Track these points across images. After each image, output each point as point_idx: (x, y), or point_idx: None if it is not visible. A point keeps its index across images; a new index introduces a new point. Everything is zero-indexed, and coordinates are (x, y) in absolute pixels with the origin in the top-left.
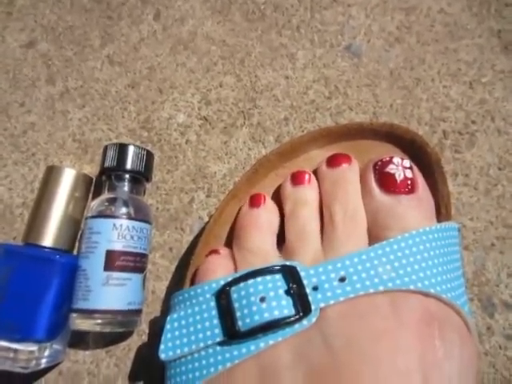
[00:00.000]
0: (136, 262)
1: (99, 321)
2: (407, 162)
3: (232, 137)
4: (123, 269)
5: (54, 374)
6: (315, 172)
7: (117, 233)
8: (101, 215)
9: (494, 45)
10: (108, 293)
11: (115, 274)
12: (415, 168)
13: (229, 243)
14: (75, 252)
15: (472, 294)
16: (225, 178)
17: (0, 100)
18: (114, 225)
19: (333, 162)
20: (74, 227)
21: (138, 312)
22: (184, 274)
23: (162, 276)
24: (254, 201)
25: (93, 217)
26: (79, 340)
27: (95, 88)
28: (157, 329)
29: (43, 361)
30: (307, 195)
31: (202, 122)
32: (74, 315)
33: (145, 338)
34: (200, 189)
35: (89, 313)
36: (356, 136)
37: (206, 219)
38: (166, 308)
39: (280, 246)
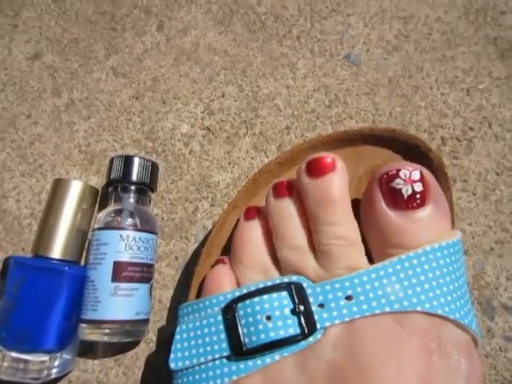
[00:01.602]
0: (143, 273)
1: (108, 331)
2: (416, 174)
3: (235, 146)
4: (131, 279)
5: (63, 383)
6: None
7: (124, 244)
8: (108, 227)
9: (491, 52)
10: (116, 303)
11: (123, 285)
12: (427, 176)
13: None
14: (82, 263)
15: (472, 298)
16: (228, 188)
17: (7, 112)
18: (121, 236)
19: (314, 170)
20: (82, 239)
21: (146, 321)
22: (189, 284)
23: (169, 285)
24: (249, 213)
25: (100, 228)
26: (88, 349)
27: (100, 99)
28: (164, 337)
29: (54, 371)
30: (289, 208)
31: (205, 132)
32: (83, 326)
33: (152, 346)
34: (204, 198)
35: (97, 323)
36: (357, 142)
37: (211, 228)
38: (173, 316)
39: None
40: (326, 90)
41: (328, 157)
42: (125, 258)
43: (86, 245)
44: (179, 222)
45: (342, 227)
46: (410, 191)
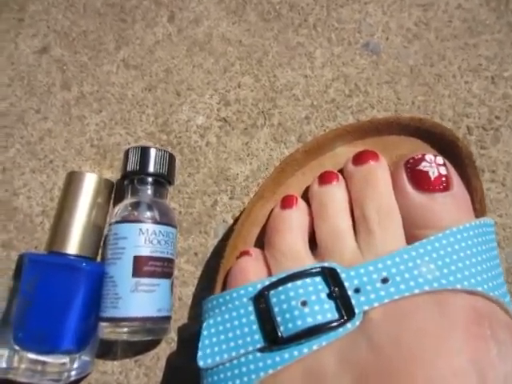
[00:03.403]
0: (164, 267)
1: (129, 329)
2: (440, 159)
3: (253, 138)
4: (152, 274)
5: None
6: (341, 170)
7: (143, 237)
8: (126, 220)
9: None
10: (137, 299)
11: (144, 280)
12: (449, 164)
13: (257, 244)
14: (98, 259)
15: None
16: (247, 180)
17: (15, 107)
18: (141, 229)
19: (359, 159)
20: (98, 234)
21: (168, 319)
22: (214, 278)
23: (188, 281)
24: (286, 202)
25: (118, 222)
26: (107, 350)
27: (111, 92)
28: (186, 336)
29: (73, 373)
30: (335, 194)
31: (221, 124)
32: (104, 324)
33: (174, 345)
34: (223, 191)
35: (119, 321)
36: (382, 132)
37: (231, 222)
38: (195, 314)
39: (312, 247)
40: (346, 80)
41: (372, 151)
42: (145, 252)
43: (102, 240)
44: (197, 217)
45: (386, 205)
46: (436, 173)
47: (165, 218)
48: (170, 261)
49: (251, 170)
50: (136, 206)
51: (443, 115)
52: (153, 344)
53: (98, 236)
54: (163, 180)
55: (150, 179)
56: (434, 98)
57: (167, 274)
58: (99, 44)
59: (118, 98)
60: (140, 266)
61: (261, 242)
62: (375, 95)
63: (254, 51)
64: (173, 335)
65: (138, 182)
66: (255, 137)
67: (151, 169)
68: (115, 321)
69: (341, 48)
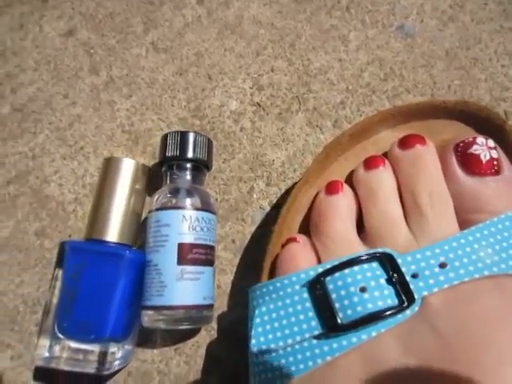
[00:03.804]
0: (207, 255)
1: (175, 317)
2: (491, 142)
3: (288, 123)
4: (196, 262)
5: (122, 375)
6: (384, 156)
7: (187, 225)
8: (169, 207)
9: None
10: (183, 288)
11: (189, 268)
12: (499, 148)
13: (301, 230)
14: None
15: None
16: (284, 166)
17: (43, 92)
18: (184, 216)
19: (406, 143)
20: (136, 221)
21: (211, 307)
22: (255, 266)
23: (227, 269)
24: (333, 188)
25: (159, 209)
26: (146, 339)
27: (141, 76)
28: (225, 324)
29: (116, 362)
30: (383, 179)
31: (255, 109)
32: (149, 312)
33: (213, 333)
34: (259, 177)
35: (165, 309)
36: (427, 115)
37: (268, 208)
38: (234, 303)
39: (358, 233)
40: (381, 63)
41: (419, 134)
42: (189, 239)
43: (141, 228)
44: (234, 203)
45: (437, 189)
46: (488, 156)
47: (205, 205)
48: (212, 248)
49: (287, 155)
50: (176, 192)
51: (480, 100)
52: (192, 332)
53: (136, 223)
54: (202, 166)
55: (189, 165)
56: (470, 82)
57: (210, 262)
58: (127, 27)
59: (149, 83)
60: (184, 254)
61: (303, 229)
62: (411, 79)
63: (286, 34)
64: (212, 323)
65: (176, 167)
66: (290, 122)
67: (191, 154)
68: (161, 309)
69: (375, 31)
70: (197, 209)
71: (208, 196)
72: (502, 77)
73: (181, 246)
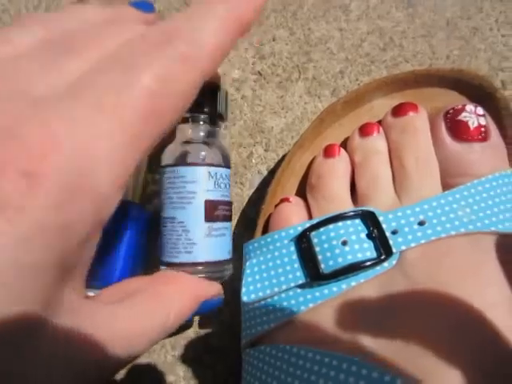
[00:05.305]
0: (229, 211)
1: (204, 274)
2: (480, 110)
3: (288, 91)
4: (222, 218)
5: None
6: (379, 122)
7: (213, 182)
8: (194, 163)
9: None
10: (212, 244)
11: (216, 225)
12: (488, 115)
13: (295, 193)
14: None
15: None
16: (282, 133)
17: None
18: (210, 173)
19: (399, 111)
20: (139, 176)
21: (231, 261)
22: (253, 224)
23: None
24: (330, 151)
25: (183, 164)
26: None
27: None
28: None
29: None
30: (377, 145)
31: (256, 77)
32: (175, 269)
33: None
34: (258, 143)
35: (194, 265)
36: (421, 83)
37: (266, 173)
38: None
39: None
40: (381, 33)
41: (412, 102)
42: (215, 196)
43: (160, 184)
44: (234, 168)
45: (424, 154)
46: (475, 123)
47: (226, 161)
48: (231, 204)
49: (286, 123)
50: (198, 148)
51: (478, 70)
52: None
53: (139, 179)
54: (220, 118)
55: (203, 117)
56: (469, 52)
57: (230, 218)
58: None
59: None
60: (211, 211)
61: (297, 191)
62: (410, 49)
63: (288, 3)
64: None
65: (193, 120)
66: (290, 90)
67: (209, 106)
68: (190, 266)
69: (376, 0)
70: (220, 166)
71: (225, 150)
72: (501, 46)
73: (208, 202)
